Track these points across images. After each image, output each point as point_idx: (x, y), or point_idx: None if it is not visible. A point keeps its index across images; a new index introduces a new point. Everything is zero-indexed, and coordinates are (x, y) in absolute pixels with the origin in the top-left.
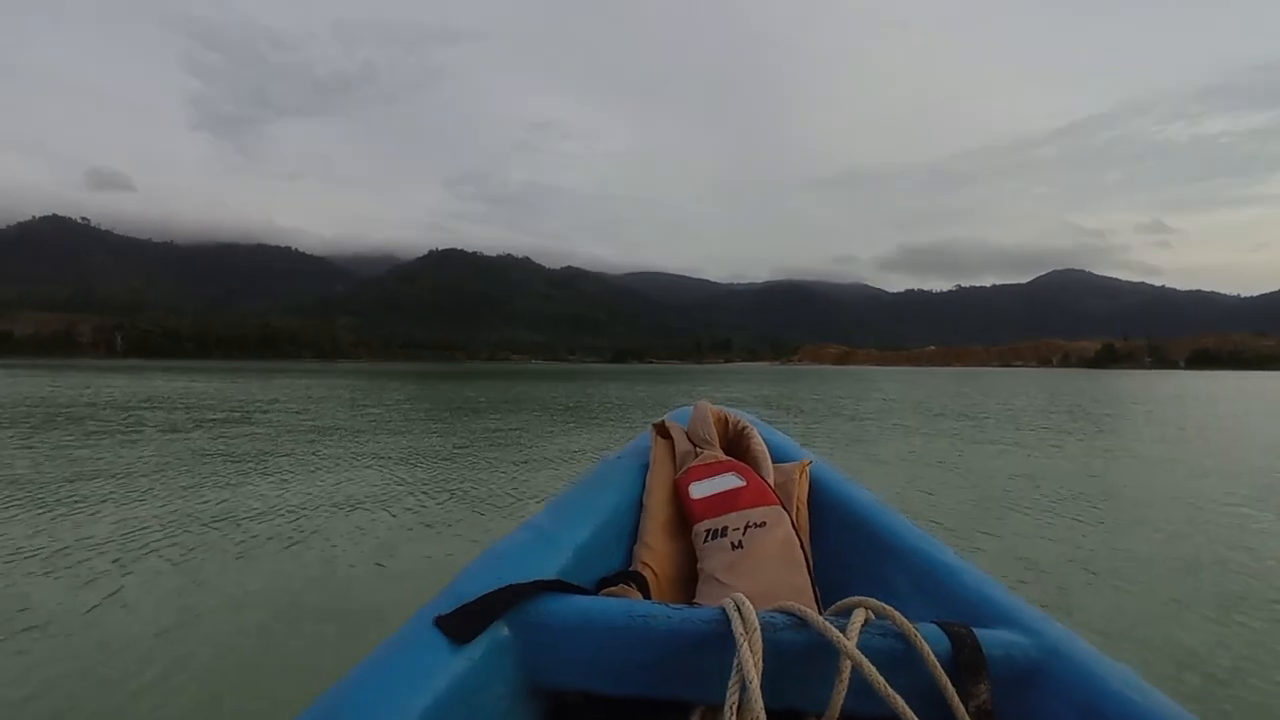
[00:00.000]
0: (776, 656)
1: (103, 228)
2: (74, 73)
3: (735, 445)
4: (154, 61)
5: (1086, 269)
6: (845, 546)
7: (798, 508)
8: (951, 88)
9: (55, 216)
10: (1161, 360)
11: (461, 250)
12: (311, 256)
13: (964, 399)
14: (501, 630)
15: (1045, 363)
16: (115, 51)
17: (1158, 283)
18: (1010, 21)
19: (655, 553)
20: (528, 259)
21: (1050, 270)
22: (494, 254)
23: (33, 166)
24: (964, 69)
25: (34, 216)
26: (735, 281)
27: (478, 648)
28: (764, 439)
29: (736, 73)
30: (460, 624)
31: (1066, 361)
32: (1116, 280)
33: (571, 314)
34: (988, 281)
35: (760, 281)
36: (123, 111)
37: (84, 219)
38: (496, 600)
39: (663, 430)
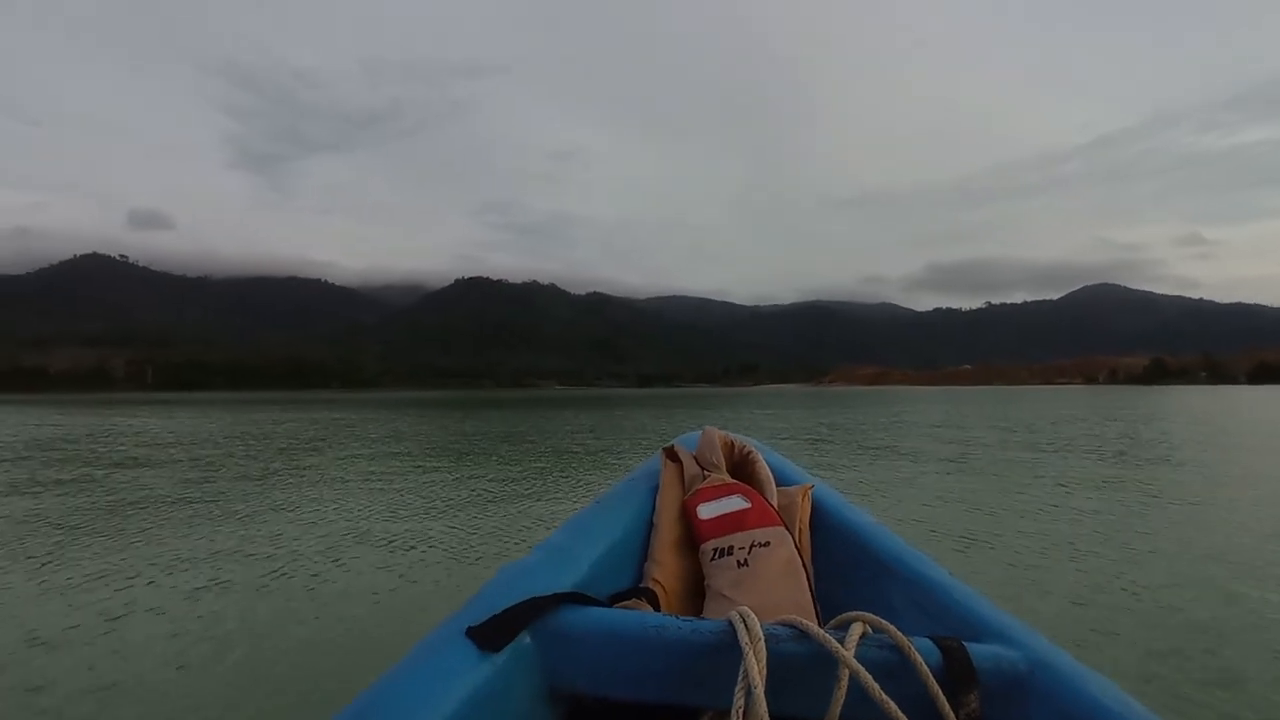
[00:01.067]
0: (780, 665)
1: (141, 264)
2: (120, 119)
3: (741, 469)
4: (193, 104)
5: (1121, 283)
6: (845, 565)
7: (800, 529)
8: (974, 104)
9: (95, 255)
10: (1219, 375)
11: (487, 278)
12: (342, 288)
13: (1086, 425)
14: (525, 639)
15: (1091, 380)
16: (159, 97)
17: (1196, 295)
18: (1032, 36)
19: (665, 569)
20: (553, 285)
21: (1083, 285)
22: (519, 281)
23: (80, 209)
24: (986, 85)
25: (75, 255)
26: (761, 303)
27: (504, 656)
28: (768, 463)
29: (757, 96)
30: (490, 634)
31: (1114, 379)
32: (1153, 294)
33: (597, 339)
34: (1019, 298)
35: (786, 303)
36: (165, 153)
37: (123, 256)
38: (522, 612)
39: (672, 454)
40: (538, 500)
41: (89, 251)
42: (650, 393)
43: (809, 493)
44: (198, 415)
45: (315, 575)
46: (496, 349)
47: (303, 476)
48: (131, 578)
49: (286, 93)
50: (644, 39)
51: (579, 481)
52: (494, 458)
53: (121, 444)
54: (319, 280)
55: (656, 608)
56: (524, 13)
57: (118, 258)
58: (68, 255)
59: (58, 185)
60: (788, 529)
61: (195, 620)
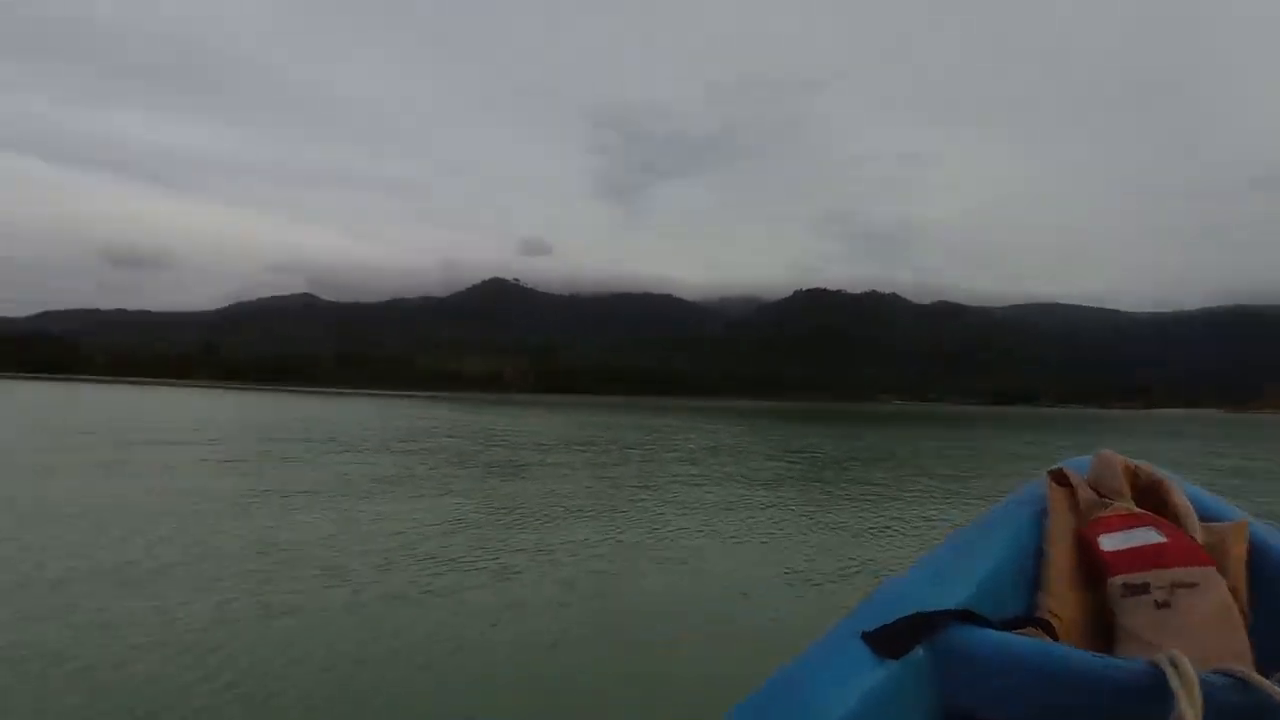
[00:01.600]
0: (1217, 718)
1: (527, 285)
2: (514, 164)
3: (1148, 499)
4: (568, 148)
5: None
6: None
7: (1234, 571)
8: None
9: (497, 279)
10: None
11: (824, 289)
12: (688, 302)
13: None
14: (919, 652)
15: None
16: (541, 145)
17: None
18: None
19: (1060, 601)
20: (895, 295)
21: None
22: (858, 291)
23: (486, 240)
24: None
25: (483, 280)
26: (1155, 309)
27: (899, 665)
28: (1186, 495)
29: (1163, 61)
30: (886, 642)
31: None
32: None
33: (943, 351)
34: None
35: (1193, 308)
36: (547, 190)
37: (515, 279)
38: (917, 624)
39: (1060, 478)
40: (901, 518)
41: (492, 276)
42: (1006, 411)
43: (1244, 530)
44: (582, 417)
45: (708, 571)
46: (834, 360)
47: (687, 483)
48: (542, 553)
49: (638, 128)
50: (1001, 26)
51: (941, 504)
52: (852, 475)
53: (522, 438)
54: (667, 295)
55: (1054, 639)
56: (864, 17)
57: (511, 280)
58: (477, 280)
59: (472, 222)
60: (1219, 570)
61: (618, 602)
